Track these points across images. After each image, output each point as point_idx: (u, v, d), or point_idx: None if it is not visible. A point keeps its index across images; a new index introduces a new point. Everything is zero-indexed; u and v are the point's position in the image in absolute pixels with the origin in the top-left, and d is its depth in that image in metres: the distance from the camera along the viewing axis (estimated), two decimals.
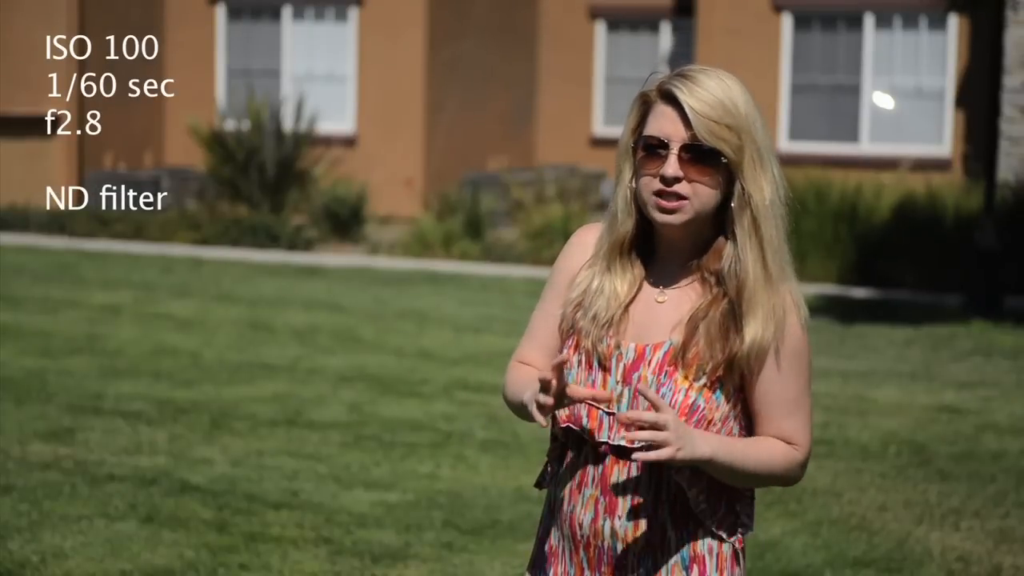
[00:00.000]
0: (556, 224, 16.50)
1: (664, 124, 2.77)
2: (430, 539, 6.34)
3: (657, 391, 2.76)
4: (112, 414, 8.48)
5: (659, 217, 2.78)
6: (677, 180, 2.75)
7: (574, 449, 2.85)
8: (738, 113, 2.75)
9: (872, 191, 15.95)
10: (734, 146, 2.75)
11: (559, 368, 2.71)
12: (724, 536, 2.82)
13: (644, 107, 2.83)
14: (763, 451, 2.79)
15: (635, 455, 2.65)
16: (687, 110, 2.74)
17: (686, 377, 2.77)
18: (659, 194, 2.77)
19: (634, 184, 2.82)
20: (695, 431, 2.71)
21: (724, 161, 2.76)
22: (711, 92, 2.75)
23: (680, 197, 2.76)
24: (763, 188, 2.78)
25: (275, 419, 8.52)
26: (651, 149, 2.78)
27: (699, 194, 2.76)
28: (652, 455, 2.63)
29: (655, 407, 2.66)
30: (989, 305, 13.36)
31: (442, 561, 6.07)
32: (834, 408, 9.18)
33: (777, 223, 2.81)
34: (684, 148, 2.75)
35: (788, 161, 18.23)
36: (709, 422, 2.77)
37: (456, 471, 7.51)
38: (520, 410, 2.87)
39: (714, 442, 2.72)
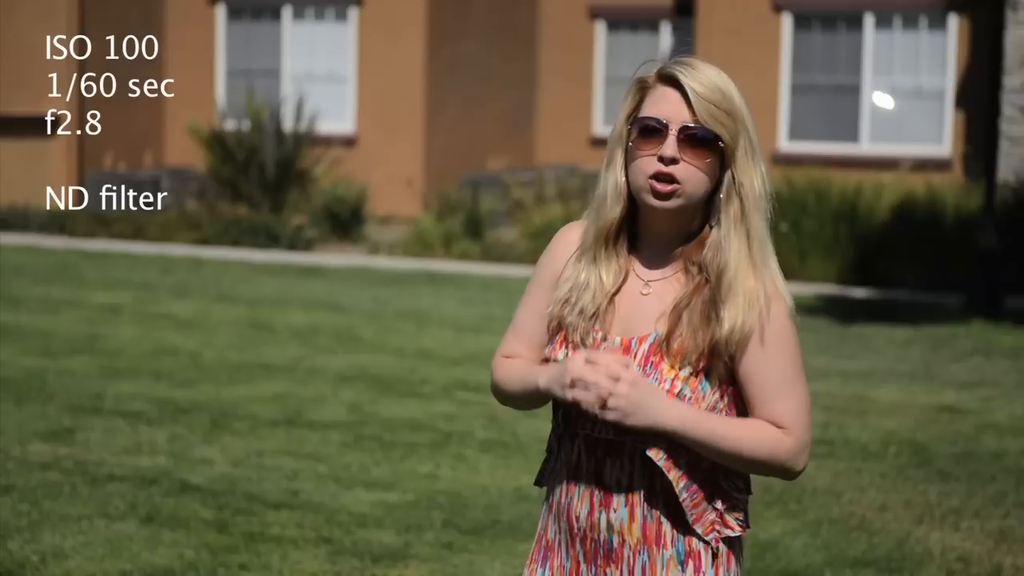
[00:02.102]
0: (556, 224, 16.44)
1: (664, 106, 2.79)
2: (430, 539, 6.34)
3: None
4: (112, 414, 8.48)
5: (652, 202, 2.79)
6: (674, 161, 2.76)
7: (570, 443, 2.87)
8: (735, 101, 2.78)
9: (872, 191, 15.95)
10: (731, 132, 2.77)
11: None
12: (701, 534, 2.81)
13: (641, 93, 2.84)
14: (747, 431, 2.78)
15: (587, 408, 2.71)
16: (689, 92, 2.76)
17: (672, 367, 2.78)
18: (655, 176, 2.77)
19: (625, 170, 2.83)
20: (665, 401, 2.73)
21: (721, 146, 2.77)
22: (711, 78, 2.78)
23: (674, 181, 2.77)
24: (754, 179, 2.80)
25: (275, 419, 8.52)
26: (649, 131, 2.79)
27: (692, 179, 2.77)
28: (598, 412, 2.69)
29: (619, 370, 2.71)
30: (989, 305, 13.36)
31: (442, 561, 6.07)
32: (834, 408, 9.18)
33: (764, 216, 2.82)
34: (683, 130, 2.77)
35: (788, 161, 18.24)
36: None
37: (456, 471, 7.51)
38: (527, 397, 2.90)
39: (687, 415, 2.73)
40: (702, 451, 2.76)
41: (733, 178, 2.79)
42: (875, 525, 6.75)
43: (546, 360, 2.88)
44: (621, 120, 2.85)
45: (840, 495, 7.24)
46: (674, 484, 2.78)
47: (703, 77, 2.76)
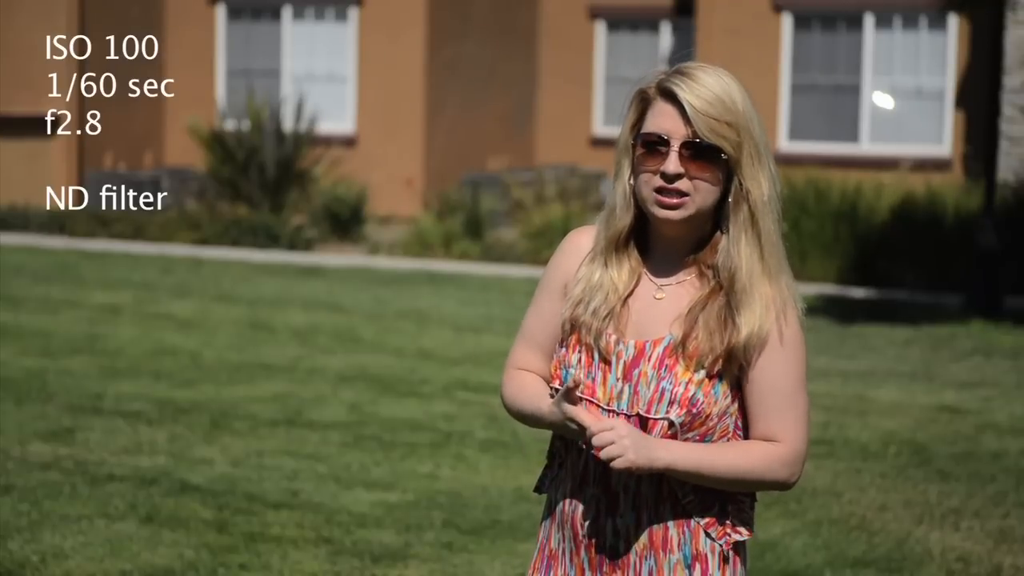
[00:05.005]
0: (556, 224, 16.49)
1: (664, 121, 2.78)
2: (430, 539, 6.34)
3: (657, 386, 2.78)
4: (112, 414, 8.48)
5: (660, 213, 2.79)
6: (678, 177, 2.77)
7: (575, 449, 2.86)
8: (736, 110, 2.76)
9: (872, 191, 15.94)
10: (733, 143, 2.76)
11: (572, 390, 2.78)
12: (714, 537, 2.82)
13: (643, 104, 2.84)
14: (736, 454, 2.78)
15: (613, 464, 2.71)
16: (687, 107, 2.75)
17: (687, 369, 2.78)
18: (659, 191, 2.78)
19: (632, 180, 2.83)
20: (656, 441, 2.74)
21: (724, 158, 2.76)
22: (710, 89, 2.76)
23: (681, 194, 2.77)
24: (761, 184, 2.79)
25: (275, 419, 8.52)
26: (651, 146, 2.79)
27: (700, 190, 2.78)
28: (616, 463, 2.70)
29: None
30: (989, 305, 13.36)
31: (442, 561, 6.07)
32: (834, 408, 9.18)
33: (775, 218, 2.81)
34: (684, 145, 2.76)
35: (788, 161, 18.23)
36: (707, 416, 2.77)
37: (456, 471, 7.51)
38: (531, 420, 2.90)
39: (676, 450, 2.74)
40: (696, 480, 2.77)
41: (740, 185, 2.79)
42: (875, 525, 6.75)
43: (558, 366, 2.88)
44: (625, 131, 2.85)
45: (840, 495, 7.24)
46: (679, 491, 2.79)
47: (701, 89, 2.75)
